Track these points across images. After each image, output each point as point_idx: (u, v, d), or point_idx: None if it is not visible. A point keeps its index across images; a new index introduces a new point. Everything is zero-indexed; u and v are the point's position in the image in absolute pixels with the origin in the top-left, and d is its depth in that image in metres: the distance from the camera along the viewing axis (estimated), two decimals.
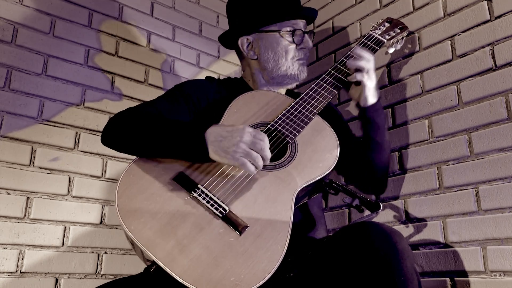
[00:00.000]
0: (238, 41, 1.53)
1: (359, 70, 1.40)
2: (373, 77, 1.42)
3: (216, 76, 2.33)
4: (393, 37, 1.58)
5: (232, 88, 1.51)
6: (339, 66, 1.46)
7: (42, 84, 1.79)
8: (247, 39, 1.51)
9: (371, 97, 1.42)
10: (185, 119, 1.40)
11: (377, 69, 1.83)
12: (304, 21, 1.52)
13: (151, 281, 1.12)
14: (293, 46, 1.47)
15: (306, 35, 1.48)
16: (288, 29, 1.46)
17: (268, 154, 1.14)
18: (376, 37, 1.55)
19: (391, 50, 1.61)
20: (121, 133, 1.26)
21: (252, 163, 1.13)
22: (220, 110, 1.35)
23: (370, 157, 1.43)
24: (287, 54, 1.47)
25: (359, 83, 1.42)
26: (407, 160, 1.68)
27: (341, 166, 1.46)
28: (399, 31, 1.61)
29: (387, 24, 1.63)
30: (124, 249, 1.85)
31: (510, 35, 1.46)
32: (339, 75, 1.43)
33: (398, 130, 1.73)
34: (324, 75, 1.44)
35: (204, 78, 1.57)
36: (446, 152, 1.57)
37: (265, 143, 1.14)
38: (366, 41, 1.53)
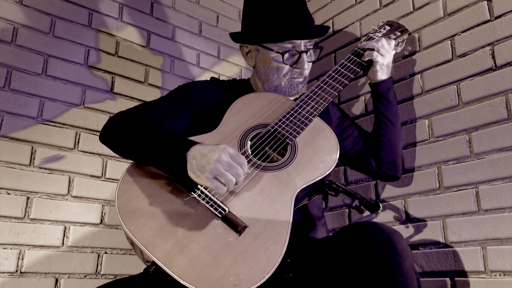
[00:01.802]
0: (240, 47, 1.56)
1: (371, 49, 1.48)
2: (386, 55, 1.50)
3: (216, 77, 2.32)
4: (393, 40, 1.58)
5: (236, 89, 1.51)
6: (345, 62, 1.49)
7: (42, 84, 1.79)
8: (247, 47, 1.53)
9: (381, 73, 1.50)
10: (186, 121, 1.41)
11: None
12: (307, 39, 1.46)
13: (151, 281, 1.13)
14: (286, 65, 1.45)
15: (303, 55, 1.43)
16: (282, 50, 1.42)
17: (241, 180, 1.10)
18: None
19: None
20: (115, 139, 1.27)
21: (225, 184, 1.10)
22: (223, 111, 1.35)
23: (384, 134, 1.50)
24: (279, 72, 1.45)
25: (371, 63, 1.49)
26: (407, 160, 1.68)
27: (357, 158, 1.56)
28: (399, 34, 1.61)
29: (387, 27, 1.63)
30: (124, 249, 1.85)
31: (510, 35, 1.46)
32: (347, 72, 1.46)
33: None
34: (324, 78, 1.44)
35: (208, 79, 1.57)
36: (446, 152, 1.57)
37: (243, 168, 1.10)
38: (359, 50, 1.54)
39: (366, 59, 1.49)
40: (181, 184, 1.15)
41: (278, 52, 1.42)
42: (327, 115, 1.55)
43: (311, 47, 1.47)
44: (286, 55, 1.42)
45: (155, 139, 1.19)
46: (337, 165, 1.38)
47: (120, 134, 1.26)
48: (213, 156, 1.08)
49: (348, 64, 1.48)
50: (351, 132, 1.58)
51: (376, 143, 1.52)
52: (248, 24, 1.50)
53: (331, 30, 2.16)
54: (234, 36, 1.55)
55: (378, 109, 1.52)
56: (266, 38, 1.44)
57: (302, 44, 1.43)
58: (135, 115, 1.31)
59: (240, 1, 2.36)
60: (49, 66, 1.83)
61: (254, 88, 1.56)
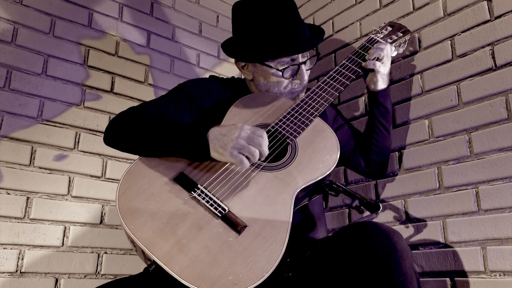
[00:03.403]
0: (235, 61, 1.52)
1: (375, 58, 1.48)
2: (387, 64, 1.51)
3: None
4: (395, 40, 1.58)
5: (235, 88, 1.51)
6: (347, 63, 1.49)
7: (42, 84, 1.79)
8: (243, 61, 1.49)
9: (382, 83, 1.51)
10: (187, 118, 1.41)
11: None
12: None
13: (151, 281, 1.13)
14: (286, 79, 1.43)
15: (302, 66, 1.41)
16: (281, 66, 1.40)
17: (266, 150, 1.15)
18: (378, 41, 1.55)
19: (394, 54, 1.59)
20: (123, 133, 1.27)
21: (249, 158, 1.14)
22: (223, 110, 1.35)
23: (377, 139, 1.53)
24: (279, 85, 1.43)
25: (373, 70, 1.49)
26: (407, 160, 1.68)
27: (347, 157, 1.59)
28: (401, 34, 1.61)
29: (389, 28, 1.63)
30: (124, 249, 1.85)
31: (510, 35, 1.46)
32: (348, 72, 1.46)
33: (398, 130, 1.73)
34: (325, 78, 1.44)
35: (207, 77, 1.57)
36: (446, 152, 1.56)
37: (264, 138, 1.15)
38: (367, 45, 1.54)
39: (368, 67, 1.47)
40: (182, 183, 1.16)
41: (277, 69, 1.41)
42: (323, 113, 1.54)
43: (309, 56, 1.46)
44: (285, 70, 1.41)
45: (169, 126, 1.21)
46: (337, 165, 1.38)
47: (128, 129, 1.26)
48: (234, 134, 1.14)
49: (349, 65, 1.48)
50: (345, 131, 1.59)
51: (368, 146, 1.55)
52: (242, 40, 1.45)
53: (331, 30, 2.16)
54: (227, 50, 1.50)
55: (375, 115, 1.54)
56: (263, 56, 1.41)
57: (300, 56, 1.42)
58: (138, 113, 1.31)
59: None
60: (49, 66, 1.83)
61: (250, 89, 1.55)
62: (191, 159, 1.20)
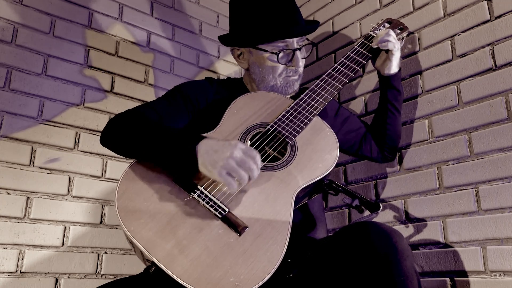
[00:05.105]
0: (231, 50, 1.54)
1: (386, 41, 1.49)
2: (399, 47, 1.53)
3: (216, 76, 2.33)
4: None
5: (232, 89, 1.51)
6: (345, 61, 1.48)
7: (42, 84, 1.79)
8: (239, 49, 1.51)
9: (395, 66, 1.54)
10: (184, 120, 1.40)
11: None
12: (300, 37, 1.46)
13: (151, 282, 1.12)
14: (281, 65, 1.44)
15: (297, 52, 1.42)
16: (276, 50, 1.41)
17: (256, 175, 1.10)
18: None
19: None
20: (118, 138, 1.27)
21: (238, 180, 1.10)
22: (220, 110, 1.35)
23: (391, 123, 1.56)
24: (274, 72, 1.44)
25: (377, 55, 1.54)
26: (407, 160, 1.68)
27: (359, 146, 1.60)
28: (399, 31, 1.61)
29: (387, 25, 1.63)
30: (124, 249, 1.85)
31: (510, 35, 1.46)
32: (347, 70, 1.45)
33: None
34: (324, 76, 1.44)
35: (203, 78, 1.57)
36: (446, 152, 1.57)
37: (256, 162, 1.10)
38: (366, 42, 1.54)
39: (385, 49, 1.49)
40: (181, 184, 1.15)
41: (272, 52, 1.42)
42: (323, 109, 1.54)
43: (303, 43, 1.47)
44: (281, 54, 1.42)
45: (161, 135, 1.20)
46: (337, 165, 1.39)
47: (122, 134, 1.26)
48: (226, 153, 1.09)
49: (348, 62, 1.46)
50: (352, 121, 1.62)
51: (382, 131, 1.57)
52: (238, 26, 1.48)
53: (331, 30, 2.16)
54: (224, 40, 1.53)
55: (388, 100, 1.56)
56: (258, 39, 1.43)
57: (294, 42, 1.43)
58: (135, 115, 1.31)
59: None
60: (49, 66, 1.83)
61: (248, 88, 1.55)
62: (180, 172, 1.17)
